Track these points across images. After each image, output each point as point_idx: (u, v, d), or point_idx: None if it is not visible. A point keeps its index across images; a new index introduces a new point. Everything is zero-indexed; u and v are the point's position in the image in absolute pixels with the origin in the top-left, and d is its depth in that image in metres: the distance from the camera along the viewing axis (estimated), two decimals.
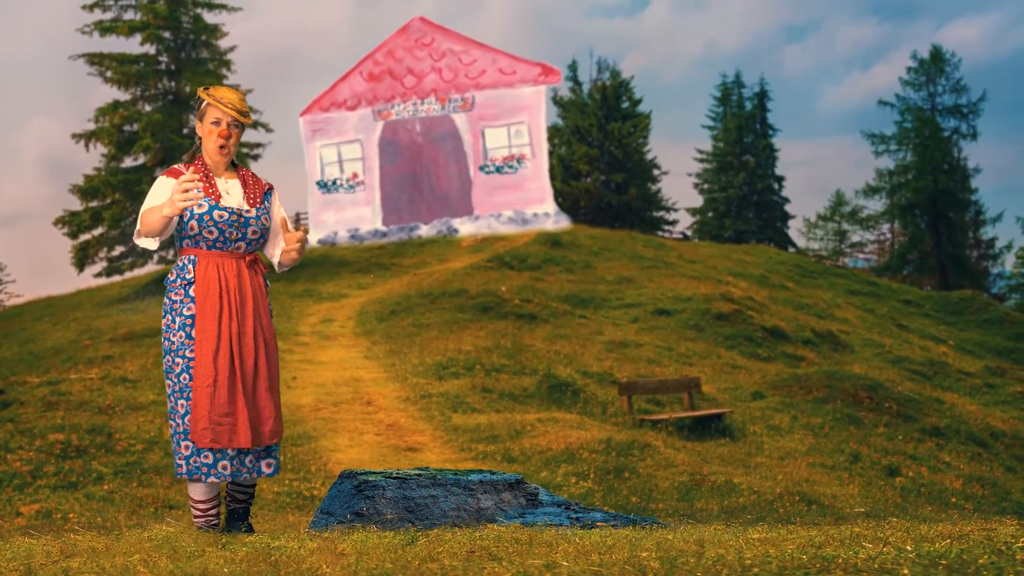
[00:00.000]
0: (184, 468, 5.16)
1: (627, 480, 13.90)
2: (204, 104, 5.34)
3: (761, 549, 3.97)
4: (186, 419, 5.15)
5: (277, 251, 5.54)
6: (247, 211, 5.32)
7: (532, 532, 4.71)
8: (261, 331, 5.30)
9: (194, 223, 5.20)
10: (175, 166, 5.39)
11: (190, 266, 5.26)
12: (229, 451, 5.18)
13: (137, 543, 4.74)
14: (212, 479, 5.16)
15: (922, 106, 63.50)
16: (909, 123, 63.02)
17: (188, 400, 5.15)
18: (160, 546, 4.64)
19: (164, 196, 5.23)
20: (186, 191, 5.02)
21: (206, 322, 5.17)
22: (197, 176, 5.10)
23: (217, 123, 5.30)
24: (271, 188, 5.54)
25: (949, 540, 4.02)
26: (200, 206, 5.20)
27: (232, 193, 5.34)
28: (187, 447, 5.15)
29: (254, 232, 5.34)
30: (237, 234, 5.29)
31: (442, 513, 5.45)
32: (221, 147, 5.31)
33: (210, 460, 5.14)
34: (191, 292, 5.23)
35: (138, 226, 5.29)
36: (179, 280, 5.27)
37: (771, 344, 25.92)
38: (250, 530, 5.45)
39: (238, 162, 5.52)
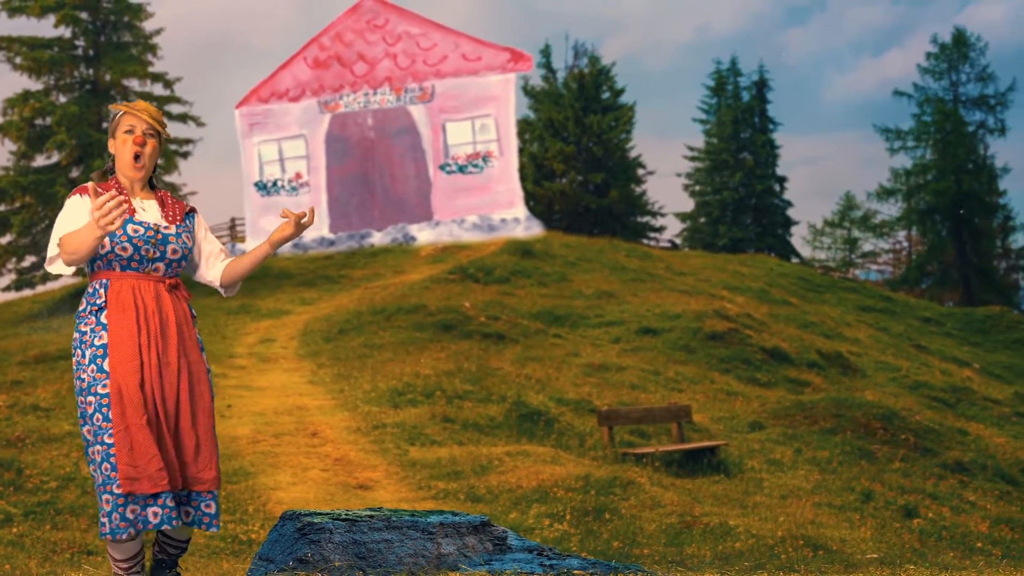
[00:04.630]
0: (108, 527, 4.98)
1: (608, 522, 13.96)
2: (117, 115, 5.31)
3: None
4: (103, 467, 4.99)
5: (216, 272, 5.50)
6: (165, 227, 5.26)
7: None
8: (186, 361, 5.19)
9: (105, 240, 5.08)
10: (84, 184, 5.27)
11: (101, 290, 5.15)
12: (152, 499, 5.01)
13: None
14: (134, 532, 4.98)
15: (943, 97, 63.97)
16: (928, 116, 63.43)
17: (103, 446, 4.99)
18: None
19: (81, 218, 5.13)
20: (108, 210, 4.77)
21: (123, 349, 5.05)
22: (112, 192, 4.91)
23: (131, 131, 5.26)
24: (193, 210, 5.49)
25: None
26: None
27: (148, 210, 5.29)
28: (108, 500, 4.98)
29: (174, 251, 5.25)
30: (155, 252, 5.19)
31: (397, 560, 5.48)
32: (136, 156, 5.24)
33: (137, 511, 4.97)
34: (103, 319, 5.11)
35: (53, 252, 5.16)
36: (88, 308, 5.16)
37: (771, 367, 26.05)
38: None
39: (156, 184, 5.46)
